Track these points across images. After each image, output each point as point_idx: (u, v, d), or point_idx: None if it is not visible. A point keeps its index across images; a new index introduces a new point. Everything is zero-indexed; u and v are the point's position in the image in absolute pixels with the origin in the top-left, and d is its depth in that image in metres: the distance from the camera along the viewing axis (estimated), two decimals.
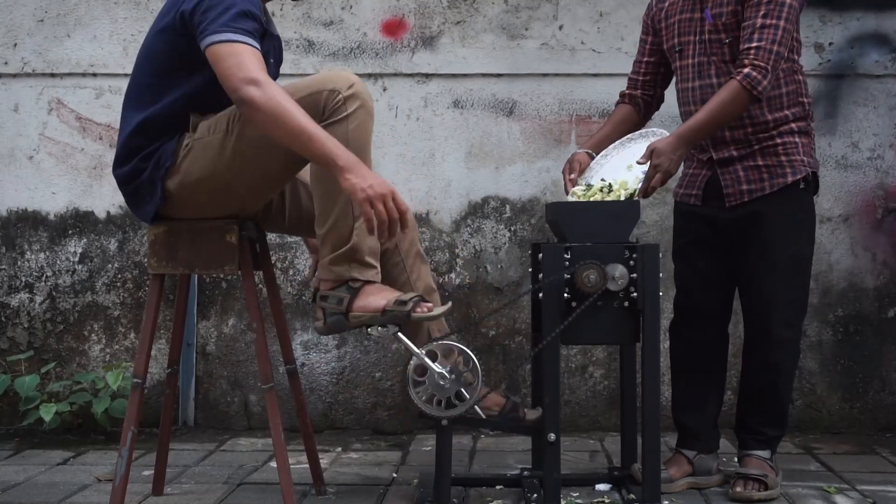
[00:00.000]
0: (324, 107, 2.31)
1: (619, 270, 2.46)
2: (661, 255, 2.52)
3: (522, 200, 3.63)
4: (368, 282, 2.35)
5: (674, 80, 2.86)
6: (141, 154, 2.39)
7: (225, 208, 2.42)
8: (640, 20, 3.58)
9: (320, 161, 2.23)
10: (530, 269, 2.83)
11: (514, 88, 3.64)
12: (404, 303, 2.32)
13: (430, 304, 2.36)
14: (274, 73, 2.61)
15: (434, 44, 3.64)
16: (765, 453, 2.72)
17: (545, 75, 3.63)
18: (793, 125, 2.70)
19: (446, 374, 2.37)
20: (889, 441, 3.43)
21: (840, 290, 3.56)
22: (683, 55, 2.77)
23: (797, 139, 2.70)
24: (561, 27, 3.63)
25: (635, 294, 2.49)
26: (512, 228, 3.63)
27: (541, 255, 2.52)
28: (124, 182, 2.44)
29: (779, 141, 2.68)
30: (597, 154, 2.83)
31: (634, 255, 2.48)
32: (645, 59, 2.92)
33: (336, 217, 2.33)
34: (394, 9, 3.65)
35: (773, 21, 2.59)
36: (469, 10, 3.64)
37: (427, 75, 3.64)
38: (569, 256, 2.47)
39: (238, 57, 2.24)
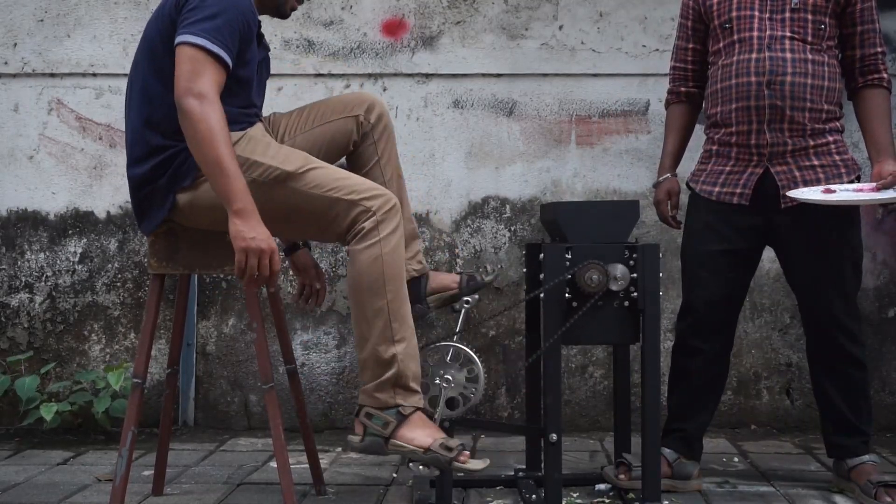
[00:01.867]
0: (351, 224, 2.30)
1: (619, 270, 2.47)
2: (661, 255, 2.52)
3: (522, 200, 3.63)
4: (416, 409, 2.29)
5: (727, 47, 2.74)
6: (159, 157, 2.36)
7: (224, 230, 2.41)
8: (640, 20, 3.61)
9: (220, 196, 2.24)
10: (524, 270, 2.83)
11: (514, 88, 3.64)
12: (450, 449, 2.24)
13: (468, 454, 2.27)
14: (265, 81, 2.61)
15: (434, 44, 3.64)
16: (874, 457, 2.73)
17: (545, 75, 3.63)
18: (837, 123, 2.70)
19: (449, 376, 2.37)
20: (889, 441, 3.43)
21: None
22: (741, 28, 2.68)
23: (840, 138, 2.71)
24: (561, 27, 3.63)
25: (635, 294, 2.49)
26: (512, 228, 3.63)
27: (542, 255, 2.53)
28: (138, 186, 2.41)
29: (830, 139, 2.67)
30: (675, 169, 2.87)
31: (635, 255, 2.49)
32: (691, 45, 2.84)
33: (375, 341, 2.28)
34: (394, 9, 3.65)
35: (878, 25, 2.71)
36: (469, 10, 3.64)
37: (427, 75, 3.64)
38: (569, 257, 2.48)
39: (198, 65, 2.25)
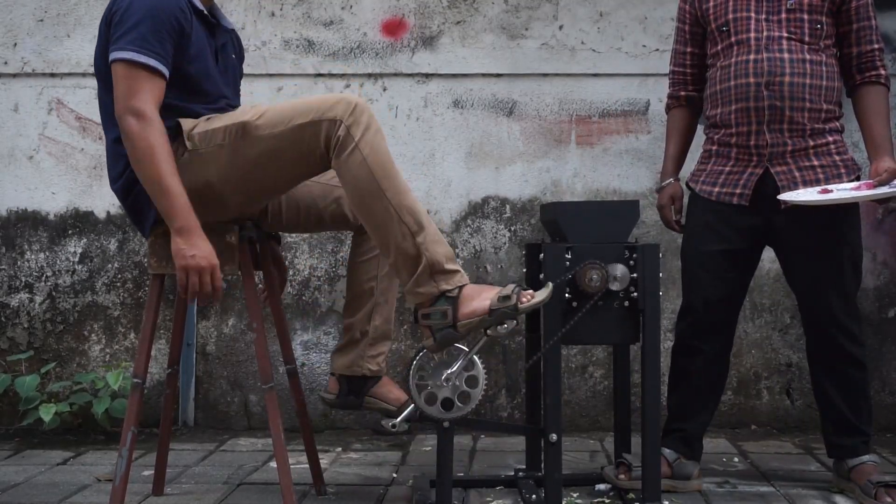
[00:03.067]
0: (326, 140, 2.27)
1: (620, 270, 2.47)
2: (661, 255, 2.52)
3: (522, 200, 3.63)
4: (462, 286, 2.29)
5: (724, 49, 2.74)
6: (131, 166, 2.38)
7: (220, 216, 2.42)
8: (640, 20, 3.61)
9: (162, 214, 2.27)
10: (524, 270, 2.83)
11: (514, 88, 3.64)
12: (508, 297, 2.25)
13: (531, 291, 2.29)
14: (236, 65, 2.61)
15: (434, 44, 3.64)
16: (874, 457, 2.72)
17: (545, 75, 3.63)
18: (836, 123, 2.70)
19: (450, 376, 2.36)
20: (889, 441, 3.43)
21: None
22: (739, 31, 2.68)
23: (840, 137, 2.70)
24: (561, 27, 3.63)
25: (635, 294, 2.49)
26: (512, 228, 3.63)
27: (542, 255, 2.53)
28: (123, 196, 2.43)
29: (829, 139, 2.67)
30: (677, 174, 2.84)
31: (634, 255, 2.49)
32: (689, 49, 2.84)
33: (395, 242, 2.26)
34: (394, 9, 3.65)
35: (874, 21, 2.69)
36: (469, 10, 3.64)
37: (427, 75, 3.64)
38: (570, 257, 2.48)
39: (132, 81, 2.25)
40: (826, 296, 2.67)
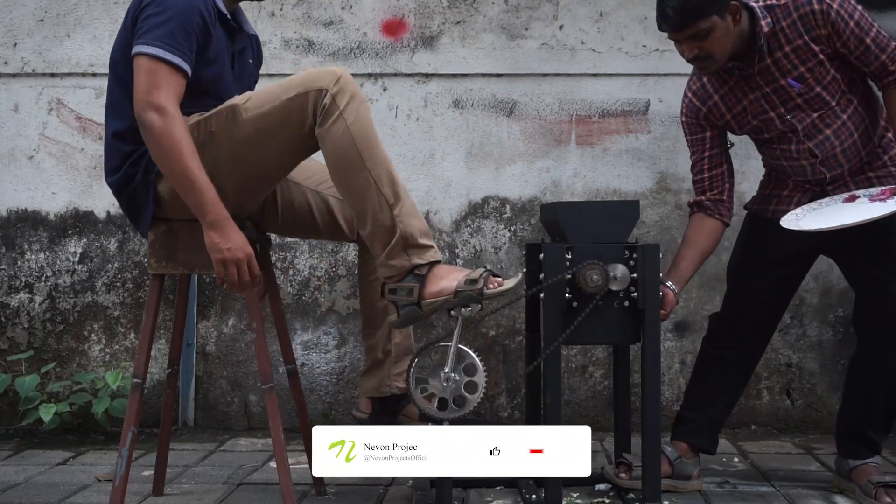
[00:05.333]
0: (313, 110, 2.27)
1: (620, 270, 2.47)
2: (661, 255, 2.52)
3: (522, 200, 3.63)
4: (433, 264, 2.29)
5: (765, 143, 2.75)
6: (130, 159, 2.39)
7: None
8: (640, 20, 3.61)
9: (193, 209, 2.27)
10: (524, 270, 2.83)
11: (514, 88, 3.64)
12: (475, 281, 2.24)
13: (499, 279, 2.28)
14: (252, 71, 2.61)
15: (434, 44, 3.64)
16: (877, 458, 2.72)
17: (545, 75, 3.63)
18: (889, 135, 2.70)
19: (451, 376, 2.36)
20: (889, 441, 3.42)
21: (840, 289, 3.56)
22: (770, 129, 2.68)
23: (894, 150, 2.70)
24: (561, 27, 3.63)
25: (635, 294, 2.49)
26: (512, 228, 3.63)
27: (542, 255, 2.53)
28: (118, 190, 2.45)
29: (884, 157, 2.69)
30: (678, 288, 2.70)
31: (634, 255, 2.49)
32: (708, 153, 2.77)
33: (372, 212, 2.26)
34: (394, 9, 3.65)
35: (872, 31, 2.56)
36: (469, 10, 3.64)
37: (427, 75, 3.64)
38: (569, 257, 2.48)
39: (155, 76, 2.25)
40: (889, 293, 2.61)
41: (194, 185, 2.24)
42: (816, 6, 2.53)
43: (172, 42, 2.26)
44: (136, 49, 2.28)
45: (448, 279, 2.27)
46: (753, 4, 2.59)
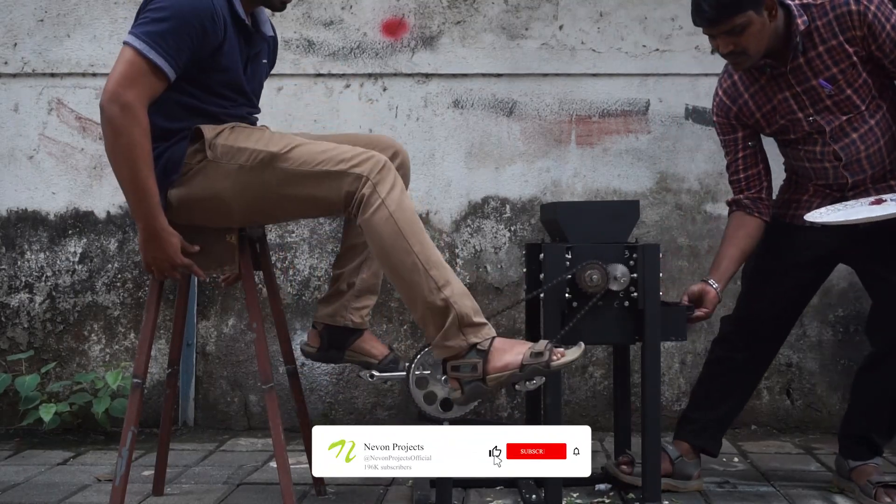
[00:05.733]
0: (347, 196, 2.27)
1: (620, 270, 2.47)
2: (661, 255, 2.52)
3: (522, 200, 3.63)
4: (493, 339, 2.28)
5: (790, 143, 2.70)
6: None
7: (221, 224, 2.43)
8: (640, 20, 3.61)
9: (132, 210, 2.34)
10: (524, 270, 2.83)
11: (514, 88, 3.64)
12: (540, 353, 2.22)
13: (562, 350, 2.25)
14: (265, 71, 2.61)
15: (434, 44, 3.64)
16: (877, 459, 2.72)
17: (545, 75, 3.63)
18: None
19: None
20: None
21: (840, 290, 3.56)
22: (796, 130, 2.64)
23: None
24: (561, 27, 3.63)
25: (635, 294, 2.49)
26: (512, 228, 3.63)
27: (542, 255, 2.53)
28: None
29: None
30: (720, 286, 2.67)
31: (634, 255, 2.49)
32: (741, 153, 2.74)
33: (423, 297, 2.25)
34: (394, 9, 3.65)
35: None
36: (469, 10, 3.64)
37: (427, 75, 3.64)
38: (569, 257, 2.48)
39: (133, 71, 2.23)
40: None
41: (140, 190, 2.26)
42: (854, 7, 2.49)
43: (162, 43, 2.24)
44: (127, 37, 2.26)
45: (512, 353, 2.24)
46: (790, 2, 2.55)
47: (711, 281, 2.68)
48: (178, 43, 2.25)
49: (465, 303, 2.26)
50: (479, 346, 2.24)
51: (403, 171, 2.54)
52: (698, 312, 2.64)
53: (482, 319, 2.29)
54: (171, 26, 2.24)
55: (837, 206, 2.62)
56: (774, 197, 2.82)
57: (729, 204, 2.79)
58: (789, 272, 2.73)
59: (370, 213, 2.25)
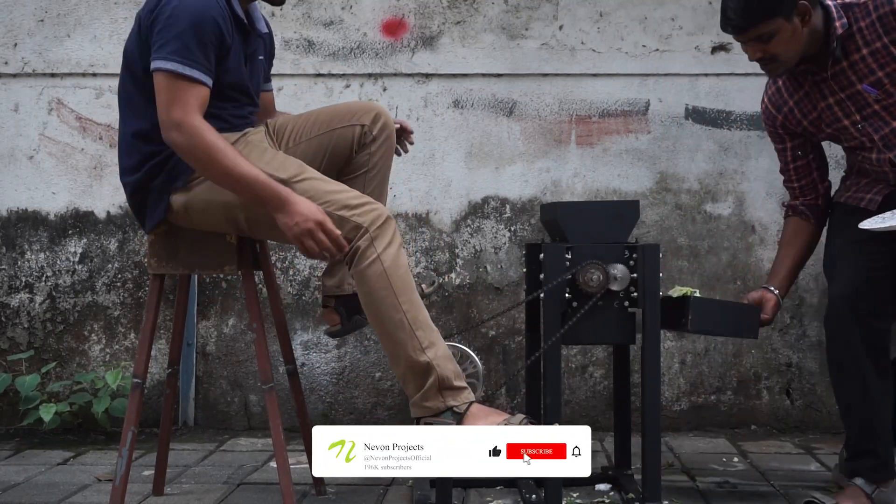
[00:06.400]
0: (346, 239, 2.28)
1: (619, 270, 2.47)
2: (661, 255, 2.52)
3: (522, 200, 3.63)
4: (470, 403, 2.29)
5: (847, 149, 2.62)
6: (152, 161, 2.38)
7: (222, 230, 2.44)
8: (640, 20, 3.61)
9: (250, 201, 2.29)
10: (524, 270, 2.83)
11: (514, 88, 3.64)
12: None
13: (536, 423, 2.26)
14: (265, 69, 2.62)
15: (434, 44, 3.64)
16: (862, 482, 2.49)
17: (545, 75, 3.63)
18: None
19: None
20: None
21: None
22: (846, 139, 2.55)
23: None
24: (561, 27, 3.63)
25: (635, 294, 2.49)
26: (512, 228, 3.63)
27: (542, 255, 2.53)
28: (134, 191, 2.43)
29: None
30: (781, 293, 2.61)
31: (634, 255, 2.49)
32: (792, 164, 2.66)
33: (406, 355, 2.27)
34: (394, 9, 3.65)
35: None
36: (469, 10, 3.64)
37: (427, 75, 3.64)
38: (569, 257, 2.48)
39: (173, 93, 2.24)
40: None
41: (241, 180, 2.25)
42: None
43: (189, 55, 2.25)
44: (155, 65, 2.27)
45: (486, 421, 2.25)
46: (829, 3, 2.43)
47: (771, 287, 2.62)
48: (201, 49, 2.26)
49: (448, 366, 2.28)
50: (455, 409, 2.27)
51: (388, 132, 2.55)
52: (764, 316, 2.61)
53: (462, 384, 2.30)
54: (191, 35, 2.25)
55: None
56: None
57: (785, 208, 2.74)
58: (856, 243, 2.49)
59: (364, 265, 2.27)
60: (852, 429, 2.50)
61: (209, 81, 2.29)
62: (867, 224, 2.40)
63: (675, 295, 2.61)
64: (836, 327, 2.45)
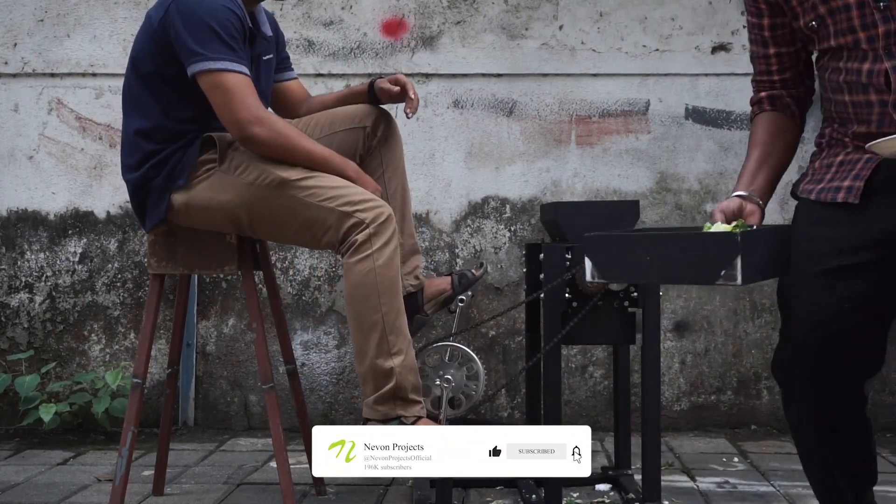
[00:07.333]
0: (344, 235, 2.31)
1: None
2: None
3: (522, 200, 3.63)
4: (418, 418, 2.32)
5: (829, 56, 1.86)
6: (154, 159, 2.39)
7: (220, 229, 2.44)
8: (640, 20, 3.61)
9: (335, 174, 2.36)
10: (524, 270, 2.83)
11: (514, 88, 3.64)
12: None
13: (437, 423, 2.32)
14: (269, 69, 2.62)
15: (434, 44, 3.64)
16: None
17: (545, 75, 3.63)
18: None
19: (449, 376, 2.37)
20: (889, 441, 3.43)
21: None
22: (839, 31, 1.80)
23: None
24: (561, 27, 3.63)
25: (635, 294, 2.49)
26: (512, 228, 3.63)
27: (542, 255, 2.53)
28: (135, 188, 2.43)
29: None
30: (764, 202, 1.91)
31: None
32: (773, 49, 1.96)
33: (373, 354, 2.29)
34: (394, 9, 3.65)
35: None
36: (469, 10, 3.64)
37: (427, 75, 3.64)
38: (569, 257, 2.48)
39: (233, 93, 2.26)
40: None
41: (320, 160, 2.34)
42: None
43: (231, 52, 2.26)
44: (198, 67, 2.26)
45: None
46: None
47: (755, 196, 1.91)
48: (235, 43, 2.29)
49: (409, 377, 2.30)
50: (403, 420, 2.30)
51: (390, 132, 2.63)
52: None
53: (418, 398, 2.32)
54: (224, 32, 2.27)
55: None
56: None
57: (756, 104, 2.05)
58: (825, 274, 1.78)
59: (356, 259, 2.28)
60: (811, 481, 1.98)
61: (249, 71, 2.32)
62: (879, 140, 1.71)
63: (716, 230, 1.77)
64: (786, 380, 1.87)
